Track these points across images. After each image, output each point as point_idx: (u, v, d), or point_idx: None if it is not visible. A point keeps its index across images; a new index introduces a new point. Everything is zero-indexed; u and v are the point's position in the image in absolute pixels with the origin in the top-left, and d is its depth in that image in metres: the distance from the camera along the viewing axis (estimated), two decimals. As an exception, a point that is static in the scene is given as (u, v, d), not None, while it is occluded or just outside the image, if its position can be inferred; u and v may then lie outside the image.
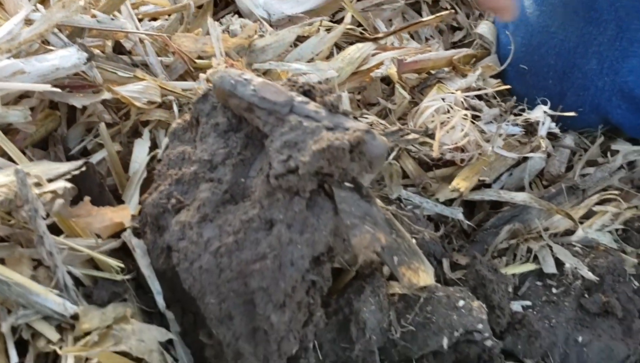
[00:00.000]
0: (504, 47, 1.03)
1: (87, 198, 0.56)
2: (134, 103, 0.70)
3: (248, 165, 0.56)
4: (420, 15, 1.19)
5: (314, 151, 0.49)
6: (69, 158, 0.72)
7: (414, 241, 0.63)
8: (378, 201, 0.55)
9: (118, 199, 0.68)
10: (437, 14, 1.01)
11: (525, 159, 0.90)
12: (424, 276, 0.61)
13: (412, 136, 0.78)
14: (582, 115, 0.94)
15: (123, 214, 0.56)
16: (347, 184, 0.52)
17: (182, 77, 0.84)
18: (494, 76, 1.02)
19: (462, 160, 0.85)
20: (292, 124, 0.52)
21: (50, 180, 0.54)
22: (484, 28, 1.08)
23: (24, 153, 0.68)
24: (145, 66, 0.81)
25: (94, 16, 0.75)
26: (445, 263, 0.73)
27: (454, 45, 1.17)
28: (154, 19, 0.95)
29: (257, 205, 0.52)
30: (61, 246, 0.53)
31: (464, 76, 1.00)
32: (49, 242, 0.49)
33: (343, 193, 0.51)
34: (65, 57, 0.68)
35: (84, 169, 0.60)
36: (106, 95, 0.68)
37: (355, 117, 0.54)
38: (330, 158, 0.49)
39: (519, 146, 0.92)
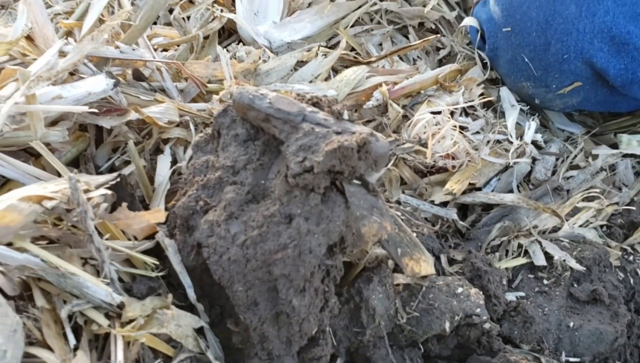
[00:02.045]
0: (488, 23, 1.11)
1: (124, 204, 0.63)
2: (157, 123, 0.77)
3: (267, 169, 0.63)
4: (408, 38, 1.29)
5: (327, 151, 0.56)
6: (99, 175, 0.79)
7: (414, 234, 0.71)
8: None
9: (146, 208, 0.75)
10: (424, 39, 1.10)
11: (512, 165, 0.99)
12: (425, 265, 0.68)
13: (407, 145, 0.86)
14: (568, 64, 0.99)
15: (158, 215, 0.63)
16: (355, 181, 0.60)
17: (195, 100, 0.92)
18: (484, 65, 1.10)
19: (453, 167, 0.92)
20: (305, 130, 0.60)
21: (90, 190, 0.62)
22: (467, 20, 1.17)
23: (59, 174, 0.75)
24: (163, 91, 0.89)
25: (117, 47, 0.83)
26: (443, 258, 0.80)
27: (440, 62, 1.26)
28: (166, 50, 1.04)
29: (277, 202, 0.59)
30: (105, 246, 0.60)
31: (450, 91, 1.08)
32: (97, 240, 0.56)
33: (352, 189, 0.59)
34: (96, 84, 0.75)
35: (118, 180, 0.67)
36: (133, 116, 0.76)
37: (358, 121, 0.62)
38: (340, 157, 0.56)
39: (506, 153, 1.00)
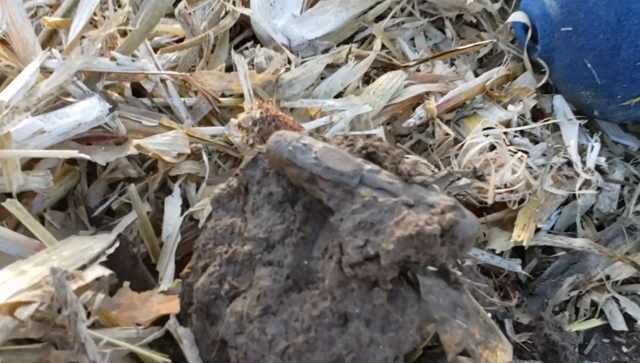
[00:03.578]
0: (542, 19, 0.96)
1: (126, 285, 0.49)
2: (164, 159, 0.63)
3: (310, 243, 0.49)
4: (444, 33, 1.13)
5: (399, 238, 0.42)
6: (92, 220, 0.65)
7: (489, 315, 0.57)
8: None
9: (151, 267, 0.61)
10: (475, 43, 0.95)
11: (574, 195, 0.85)
12: (502, 355, 0.55)
13: (463, 181, 0.72)
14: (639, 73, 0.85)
15: (171, 305, 0.49)
16: (431, 268, 0.46)
17: (206, 119, 0.77)
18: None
19: (513, 202, 0.78)
20: (365, 200, 0.45)
21: (84, 266, 0.47)
22: (515, 15, 1.01)
23: (42, 219, 0.60)
24: (168, 108, 0.74)
25: (113, 58, 0.67)
26: (508, 324, 0.67)
27: (480, 62, 1.10)
28: (171, 51, 0.88)
29: (328, 296, 0.45)
30: (100, 341, 0.46)
31: (499, 102, 0.94)
32: (92, 350, 0.42)
33: (429, 282, 0.45)
34: (87, 110, 0.60)
35: (117, 245, 0.53)
36: (132, 150, 0.61)
37: (432, 186, 0.47)
38: (418, 246, 0.42)
39: (567, 181, 0.86)
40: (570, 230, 0.85)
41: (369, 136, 0.54)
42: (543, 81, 0.96)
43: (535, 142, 0.89)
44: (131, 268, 0.56)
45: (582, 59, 0.91)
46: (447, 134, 0.82)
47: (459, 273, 0.49)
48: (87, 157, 0.59)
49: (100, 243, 0.52)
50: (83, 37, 0.78)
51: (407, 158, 0.49)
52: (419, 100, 0.90)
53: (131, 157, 0.67)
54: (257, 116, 0.67)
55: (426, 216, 0.43)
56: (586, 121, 0.97)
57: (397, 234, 0.42)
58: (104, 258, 0.49)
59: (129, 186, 0.60)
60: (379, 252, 0.43)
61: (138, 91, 0.74)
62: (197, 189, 0.68)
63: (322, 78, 0.89)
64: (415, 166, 0.48)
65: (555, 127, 0.96)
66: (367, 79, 0.95)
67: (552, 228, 0.83)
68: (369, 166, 0.48)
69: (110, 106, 0.63)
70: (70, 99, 0.62)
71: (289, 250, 0.48)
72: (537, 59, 1.00)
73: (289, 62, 0.90)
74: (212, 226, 0.53)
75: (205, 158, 0.69)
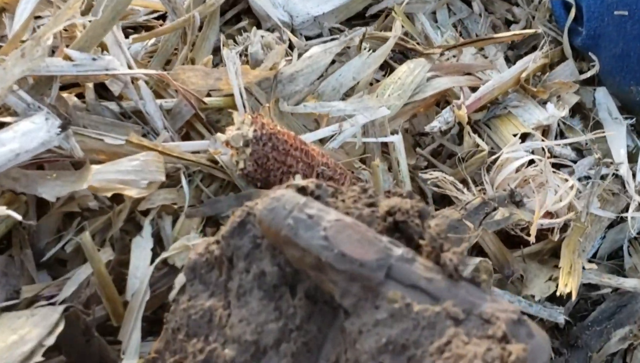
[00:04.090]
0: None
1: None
2: (130, 195, 0.49)
3: (314, 351, 0.37)
4: (471, 7, 0.97)
5: (445, 381, 0.30)
6: (40, 266, 0.52)
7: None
8: None
9: (113, 332, 0.49)
10: (514, 32, 0.80)
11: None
12: None
13: (501, 213, 0.59)
14: None
15: None
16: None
17: (190, 125, 0.63)
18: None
19: (554, 229, 0.66)
20: (394, 307, 0.33)
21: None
22: None
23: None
24: (140, 115, 0.60)
25: (67, 58, 0.53)
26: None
27: (513, 46, 0.95)
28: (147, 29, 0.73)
29: None
30: None
31: (534, 97, 0.80)
32: None
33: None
34: (30, 134, 0.47)
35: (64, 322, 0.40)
36: (87, 189, 0.48)
37: (484, 282, 0.35)
38: (469, 393, 0.30)
39: (613, 198, 0.73)
40: (615, 258, 0.72)
41: (394, 193, 0.40)
42: (588, 74, 0.82)
43: (578, 150, 0.76)
44: (84, 345, 0.44)
45: (638, 50, 0.76)
46: (478, 145, 0.68)
47: None
48: (31, 193, 0.45)
49: (39, 327, 0.40)
50: (37, 18, 0.63)
51: (447, 236, 0.36)
52: (443, 94, 0.77)
53: (91, 183, 0.53)
54: (249, 136, 0.53)
55: (483, 347, 0.30)
56: (633, 120, 0.83)
57: (442, 373, 0.30)
58: (39, 357, 0.37)
59: (83, 236, 0.47)
60: (412, 395, 0.30)
61: (103, 94, 0.60)
62: (173, 224, 0.55)
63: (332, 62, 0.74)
64: (463, 253, 0.35)
65: (595, 125, 0.83)
66: (382, 65, 0.80)
67: (594, 256, 0.71)
68: (400, 250, 0.35)
69: (62, 124, 0.49)
70: (6, 119, 0.48)
71: (286, 360, 0.36)
72: (580, 46, 0.85)
73: (290, 47, 0.76)
74: (186, 307, 0.40)
75: (184, 182, 0.55)
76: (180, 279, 0.42)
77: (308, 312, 0.37)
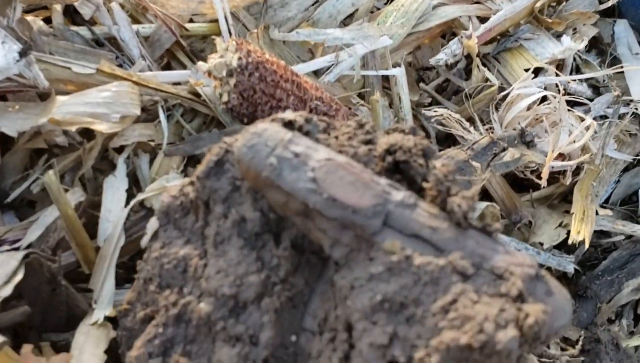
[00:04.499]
0: None
1: (26, 350, 0.33)
2: (100, 129, 0.44)
3: (300, 306, 0.32)
4: None
5: (450, 348, 0.25)
6: (6, 207, 0.47)
7: None
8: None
9: (84, 279, 0.45)
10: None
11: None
12: None
13: (510, 155, 0.54)
14: None
15: None
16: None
17: (170, 53, 0.57)
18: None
19: (565, 172, 0.61)
20: (392, 260, 0.28)
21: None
22: None
23: None
24: (114, 42, 0.54)
25: (27, -26, 0.47)
26: (554, 347, 0.52)
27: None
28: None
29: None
30: None
31: (549, 29, 0.73)
32: None
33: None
34: (-18, 59, 0.41)
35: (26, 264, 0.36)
36: (50, 122, 0.42)
37: (496, 231, 0.30)
38: (480, 360, 0.25)
39: (629, 139, 0.68)
40: (629, 203, 0.68)
41: (394, 129, 0.35)
42: (609, 4, 0.75)
43: (594, 87, 0.70)
44: (49, 294, 0.40)
45: None
46: (487, 80, 0.62)
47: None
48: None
49: (3, 271, 0.35)
50: None
51: (455, 175, 0.31)
52: (450, 25, 0.70)
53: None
54: (233, 64, 0.48)
55: (495, 308, 0.26)
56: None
57: (446, 339, 0.25)
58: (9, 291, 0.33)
59: (46, 175, 0.42)
60: (412, 362, 0.26)
61: (73, 18, 0.54)
62: (151, 163, 0.50)
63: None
64: (473, 198, 0.30)
65: (613, 61, 0.77)
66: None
67: (606, 201, 0.67)
68: (400, 194, 0.30)
69: (21, 49, 0.43)
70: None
71: (268, 317, 0.31)
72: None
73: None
74: (158, 255, 0.36)
75: (162, 117, 0.50)
76: (152, 224, 0.38)
77: (294, 263, 0.32)
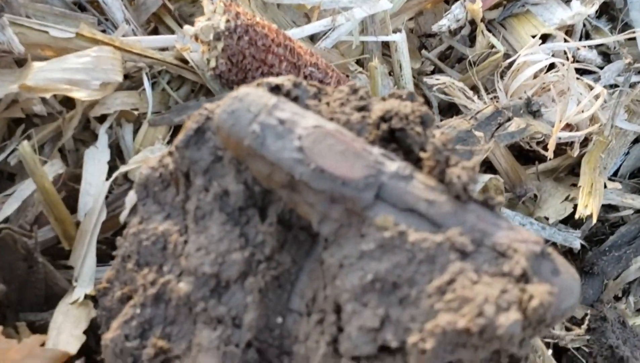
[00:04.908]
0: None
1: (-6, 331, 0.31)
2: (78, 97, 0.42)
3: (287, 286, 0.30)
4: None
5: (446, 332, 0.23)
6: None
7: (549, 353, 0.39)
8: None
9: (65, 257, 0.42)
10: None
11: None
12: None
13: (516, 125, 0.51)
14: None
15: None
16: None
17: (157, 19, 0.54)
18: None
19: (573, 144, 0.58)
20: (384, 236, 0.26)
21: None
22: None
23: None
24: (95, 5, 0.51)
25: None
26: (558, 326, 0.50)
27: None
28: None
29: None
30: None
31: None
32: None
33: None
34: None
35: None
36: (29, 91, 0.40)
37: (499, 205, 0.28)
38: (479, 345, 0.23)
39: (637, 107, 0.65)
40: (638, 176, 0.65)
41: (391, 95, 0.33)
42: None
43: (605, 54, 0.67)
44: (26, 272, 0.38)
45: None
46: (492, 46, 0.59)
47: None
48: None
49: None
50: None
51: (454, 147, 0.28)
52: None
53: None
54: (221, 27, 0.45)
55: (496, 288, 0.23)
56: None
57: (442, 322, 0.23)
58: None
59: (21, 146, 0.39)
60: (405, 347, 0.24)
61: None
62: (135, 133, 0.47)
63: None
64: (474, 169, 0.27)
65: (624, 27, 0.73)
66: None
67: (615, 173, 0.64)
68: (394, 165, 0.27)
69: (-7, 10, 0.40)
70: None
71: (252, 297, 0.29)
72: None
73: None
74: (136, 230, 0.33)
75: (147, 84, 0.47)
76: (131, 197, 0.35)
77: (280, 240, 0.30)
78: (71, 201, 0.44)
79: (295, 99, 0.32)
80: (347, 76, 0.57)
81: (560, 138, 0.57)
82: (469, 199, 0.27)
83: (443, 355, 0.23)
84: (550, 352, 0.40)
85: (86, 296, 0.40)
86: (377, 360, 0.25)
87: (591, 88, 0.58)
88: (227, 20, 0.45)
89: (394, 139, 0.30)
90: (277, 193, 0.29)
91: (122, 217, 0.37)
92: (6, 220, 0.42)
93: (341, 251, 0.27)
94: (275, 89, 0.31)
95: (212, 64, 0.46)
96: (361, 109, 0.32)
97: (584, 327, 0.45)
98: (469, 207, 0.27)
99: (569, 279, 0.25)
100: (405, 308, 0.25)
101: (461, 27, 0.64)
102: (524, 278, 0.24)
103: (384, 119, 0.30)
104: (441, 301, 0.24)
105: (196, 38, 0.47)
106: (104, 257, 0.43)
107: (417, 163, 0.29)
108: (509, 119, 0.52)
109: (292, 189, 0.28)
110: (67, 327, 0.37)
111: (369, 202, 0.27)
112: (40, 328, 0.38)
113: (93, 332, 0.38)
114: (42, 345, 0.34)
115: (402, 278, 0.25)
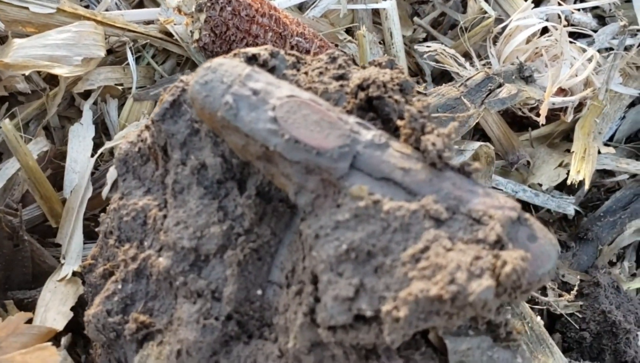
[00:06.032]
0: None
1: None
2: (59, 73, 0.41)
3: (266, 258, 0.30)
4: None
5: (419, 299, 0.23)
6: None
7: (539, 319, 0.39)
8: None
9: (52, 235, 0.42)
10: None
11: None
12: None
13: (507, 90, 0.50)
14: None
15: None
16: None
17: (141, -8, 0.53)
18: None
19: (567, 109, 0.57)
20: (359, 206, 0.25)
21: None
22: None
23: None
24: (79, -21, 0.51)
25: None
26: (551, 293, 0.50)
27: None
28: None
29: (293, 363, 0.27)
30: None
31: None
32: None
33: (465, 344, 0.26)
34: None
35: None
36: (2, 67, 0.39)
37: (476, 171, 0.27)
38: (453, 312, 0.23)
39: (636, 73, 0.64)
40: (634, 140, 0.64)
41: (371, 63, 0.32)
42: None
43: (600, 17, 0.66)
44: (12, 251, 0.38)
45: None
46: (484, 12, 0.58)
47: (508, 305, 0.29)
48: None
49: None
50: None
51: (432, 115, 0.28)
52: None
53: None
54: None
55: (470, 255, 0.23)
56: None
57: (415, 290, 0.23)
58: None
59: (3, 122, 0.39)
60: (379, 315, 0.24)
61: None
62: (120, 109, 0.47)
63: None
64: (450, 135, 0.27)
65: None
66: None
67: (611, 138, 0.63)
68: (369, 134, 0.27)
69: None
70: None
71: (231, 270, 0.29)
72: None
73: None
74: (117, 206, 0.33)
75: (130, 59, 0.47)
76: (111, 173, 0.35)
77: (259, 213, 0.30)
78: (58, 179, 0.43)
79: (273, 69, 0.31)
80: (336, 46, 0.56)
81: (554, 104, 0.56)
82: (445, 166, 0.26)
83: (417, 322, 0.23)
84: (538, 318, 0.40)
85: (74, 273, 0.40)
86: (353, 329, 0.25)
87: (584, 51, 0.57)
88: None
89: (372, 108, 0.30)
90: (254, 165, 0.29)
91: (104, 193, 0.37)
92: (-8, 199, 0.42)
93: (317, 222, 0.26)
94: (252, 59, 0.31)
95: (196, 36, 0.46)
96: (339, 78, 0.31)
97: (573, 293, 0.45)
98: (445, 174, 0.26)
99: (546, 244, 0.25)
100: (380, 277, 0.25)
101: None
102: (498, 244, 0.24)
103: (361, 87, 0.30)
104: (415, 269, 0.24)
105: (179, 10, 0.46)
106: (91, 234, 0.43)
107: (395, 131, 0.29)
108: (499, 86, 0.51)
109: (268, 161, 0.28)
110: (54, 304, 0.37)
111: (343, 172, 0.26)
112: (29, 305, 0.39)
113: (82, 308, 0.38)
114: (30, 322, 0.34)
115: (376, 247, 0.25)
